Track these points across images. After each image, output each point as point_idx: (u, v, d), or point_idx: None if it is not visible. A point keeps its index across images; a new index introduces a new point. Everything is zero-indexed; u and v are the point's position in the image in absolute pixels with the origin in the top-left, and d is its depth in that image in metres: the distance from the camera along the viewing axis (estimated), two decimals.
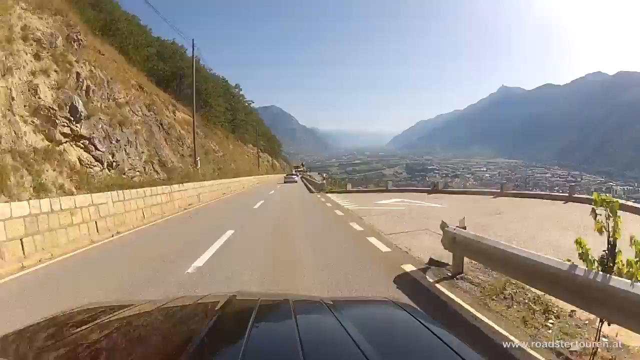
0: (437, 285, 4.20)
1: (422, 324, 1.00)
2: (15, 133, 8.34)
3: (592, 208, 2.63)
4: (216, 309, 1.10)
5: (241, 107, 56.18)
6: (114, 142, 12.97)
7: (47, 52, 11.00)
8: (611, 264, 2.50)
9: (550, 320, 3.14)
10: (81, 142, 11.05)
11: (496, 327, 3.02)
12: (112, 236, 8.14)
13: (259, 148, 56.17)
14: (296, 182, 42.91)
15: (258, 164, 53.49)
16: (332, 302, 1.17)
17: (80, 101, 11.27)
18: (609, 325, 2.47)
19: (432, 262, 5.04)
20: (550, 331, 2.94)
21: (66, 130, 10.37)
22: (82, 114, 11.17)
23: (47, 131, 9.56)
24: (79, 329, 1.01)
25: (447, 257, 4.90)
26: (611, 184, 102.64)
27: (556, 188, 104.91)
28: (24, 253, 5.88)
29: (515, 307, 3.45)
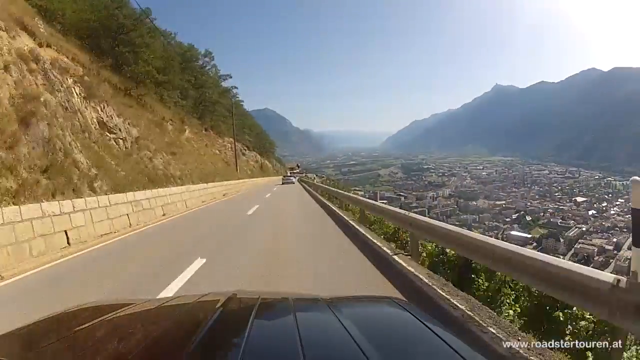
0: None
1: (423, 323, 0.98)
2: None
3: None
4: (216, 307, 1.09)
5: (213, 83, 43.01)
6: None
7: None
8: None
9: None
10: None
11: None
12: None
13: (235, 139, 41.53)
14: (294, 183, 38.71)
15: (236, 164, 38.44)
16: (332, 301, 1.15)
17: None
18: None
19: None
20: None
21: None
22: None
23: None
24: (78, 328, 1.01)
25: None
26: (610, 179, 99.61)
27: (554, 184, 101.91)
28: None
29: None
